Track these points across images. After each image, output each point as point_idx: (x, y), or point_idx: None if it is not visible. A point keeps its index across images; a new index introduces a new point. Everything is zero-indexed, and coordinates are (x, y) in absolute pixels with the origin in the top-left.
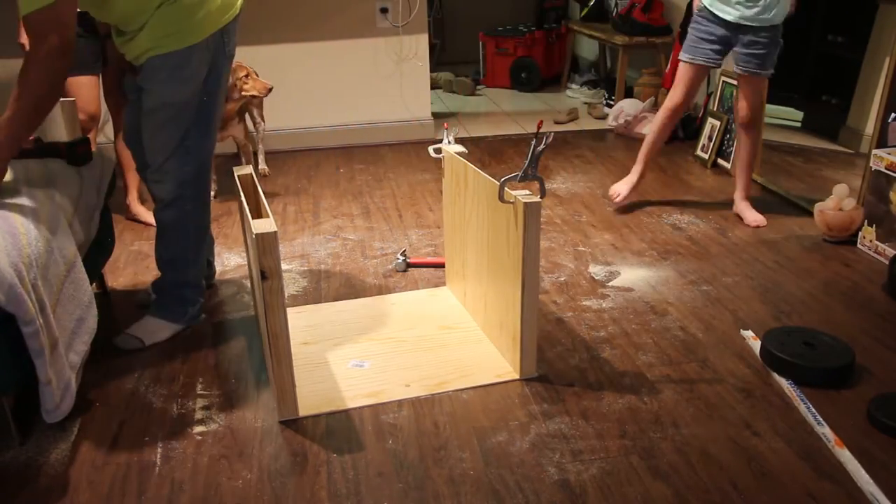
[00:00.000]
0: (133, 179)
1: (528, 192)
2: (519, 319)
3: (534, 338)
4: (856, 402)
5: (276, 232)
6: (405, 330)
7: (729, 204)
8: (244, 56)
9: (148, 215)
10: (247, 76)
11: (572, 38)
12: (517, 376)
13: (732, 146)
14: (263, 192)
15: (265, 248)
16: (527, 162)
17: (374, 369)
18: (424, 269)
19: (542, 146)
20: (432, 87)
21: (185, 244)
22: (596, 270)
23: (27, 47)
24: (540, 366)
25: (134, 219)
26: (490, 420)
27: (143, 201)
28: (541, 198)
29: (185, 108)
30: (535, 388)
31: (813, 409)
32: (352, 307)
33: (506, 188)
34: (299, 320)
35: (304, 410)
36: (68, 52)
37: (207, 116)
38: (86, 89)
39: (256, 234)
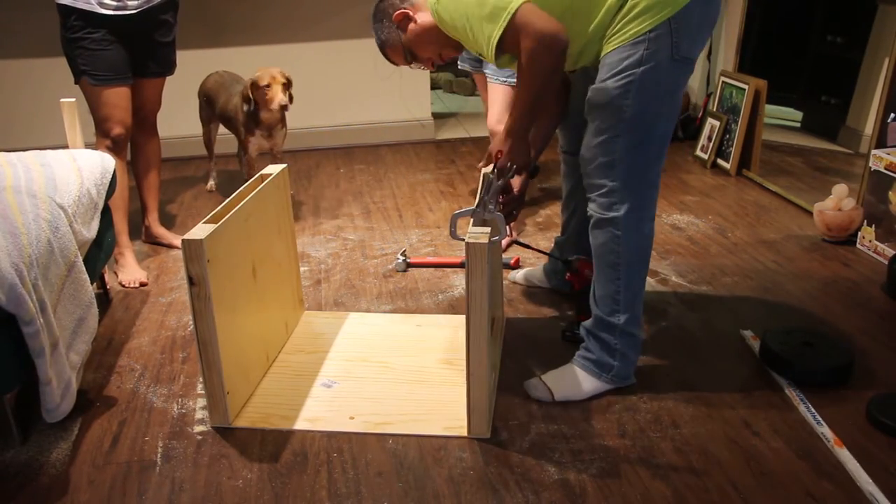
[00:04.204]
0: (153, 200)
1: (484, 229)
2: (465, 371)
3: (483, 395)
4: (855, 402)
5: (202, 240)
6: (402, 356)
7: (729, 204)
8: (243, 55)
9: (171, 237)
10: (268, 85)
11: None
12: (465, 433)
13: (732, 146)
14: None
15: (191, 254)
16: (480, 195)
17: (337, 392)
18: (425, 270)
19: (501, 180)
20: (432, 87)
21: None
22: None
23: None
24: (540, 365)
25: (155, 241)
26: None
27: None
28: (499, 238)
29: None
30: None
31: (812, 409)
32: (375, 321)
33: (459, 222)
34: (319, 327)
35: (242, 421)
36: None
37: None
38: (122, 100)
39: (183, 241)
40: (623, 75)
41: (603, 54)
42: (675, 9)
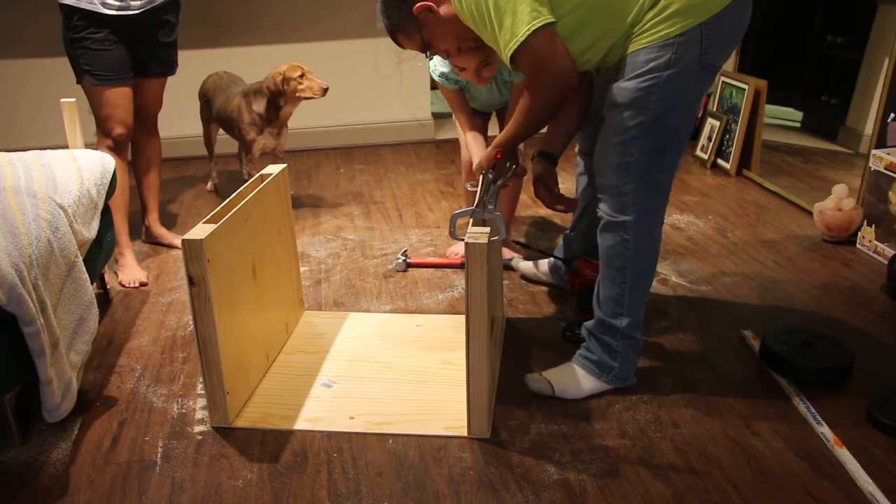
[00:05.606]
0: (153, 200)
1: (484, 229)
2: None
3: (483, 395)
4: (855, 402)
5: (202, 240)
6: (402, 357)
7: (729, 204)
8: (244, 55)
9: (171, 237)
10: (301, 76)
11: None
12: (465, 433)
13: (732, 146)
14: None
15: (191, 254)
16: (479, 195)
17: (337, 392)
18: (425, 270)
19: (501, 179)
20: (432, 88)
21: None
22: None
23: None
24: (540, 365)
25: (155, 241)
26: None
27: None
28: (498, 238)
29: None
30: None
31: (812, 409)
32: (375, 321)
33: (458, 222)
34: (319, 327)
35: (242, 421)
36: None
37: None
38: (124, 100)
39: (183, 241)
40: (648, 77)
41: (629, 52)
42: (707, 14)
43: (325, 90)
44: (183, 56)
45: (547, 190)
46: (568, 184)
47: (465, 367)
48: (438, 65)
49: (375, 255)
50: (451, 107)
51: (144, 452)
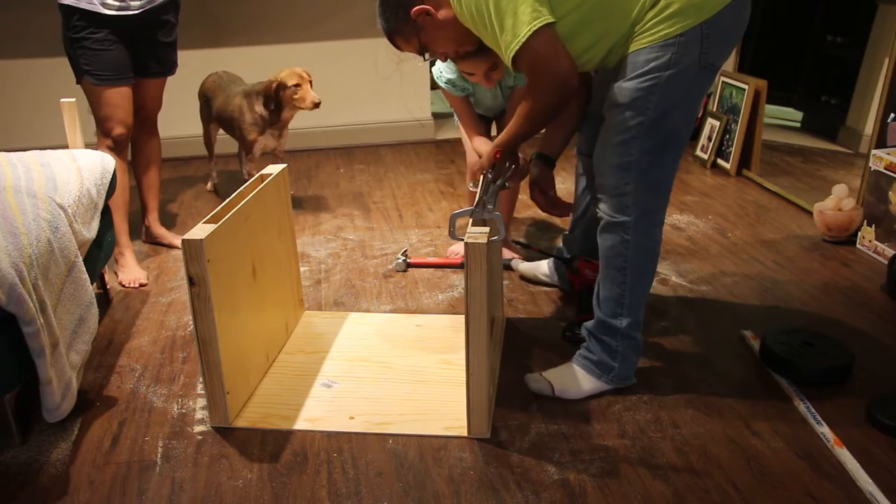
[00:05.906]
0: (153, 200)
1: (483, 229)
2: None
3: (482, 395)
4: (855, 402)
5: (202, 240)
6: (402, 357)
7: (729, 204)
8: (244, 55)
9: (171, 237)
10: (297, 85)
11: None
12: (465, 433)
13: (732, 146)
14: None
15: (191, 254)
16: (479, 195)
17: (337, 392)
18: (425, 270)
19: (501, 179)
20: (432, 88)
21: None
22: None
23: None
24: (540, 365)
25: (155, 241)
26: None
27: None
28: (498, 238)
29: None
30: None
31: (812, 409)
32: (375, 321)
33: (457, 222)
34: (319, 327)
35: (242, 421)
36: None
37: None
38: (124, 100)
39: (183, 241)
40: (648, 77)
41: (629, 52)
42: (707, 14)
43: (317, 104)
44: (183, 56)
45: (542, 193)
46: (567, 184)
47: (465, 367)
48: (445, 72)
49: (375, 255)
50: (456, 113)
51: (144, 452)
